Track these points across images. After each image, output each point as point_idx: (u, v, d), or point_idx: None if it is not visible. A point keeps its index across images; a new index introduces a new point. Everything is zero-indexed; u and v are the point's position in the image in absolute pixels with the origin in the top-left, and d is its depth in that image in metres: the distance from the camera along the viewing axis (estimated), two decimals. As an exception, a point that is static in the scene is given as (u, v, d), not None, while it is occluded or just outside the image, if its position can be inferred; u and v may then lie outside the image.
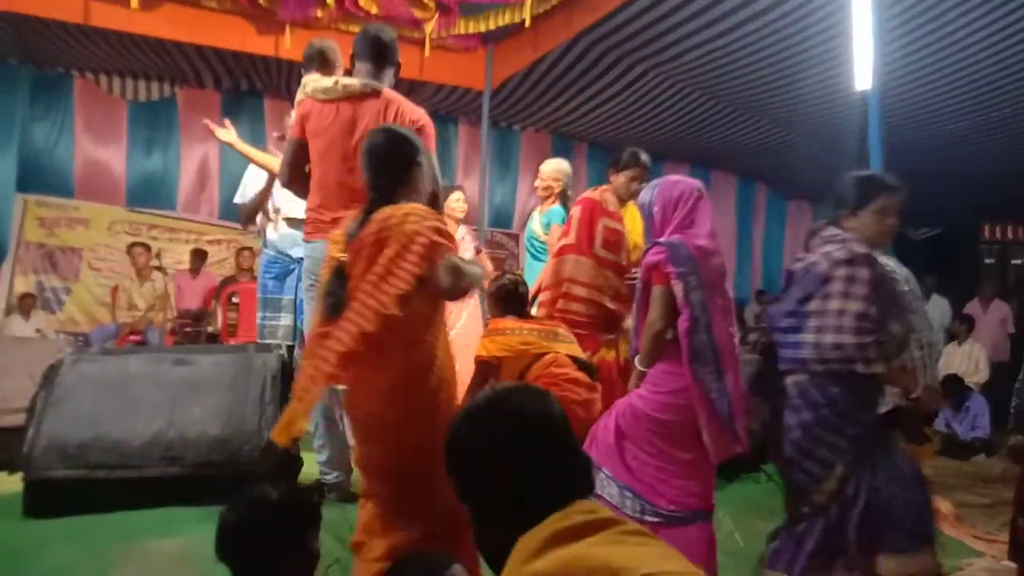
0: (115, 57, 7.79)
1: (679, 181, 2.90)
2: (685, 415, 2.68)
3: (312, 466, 3.63)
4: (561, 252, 3.90)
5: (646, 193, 2.97)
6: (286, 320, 4.29)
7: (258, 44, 7.15)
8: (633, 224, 4.02)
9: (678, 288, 2.66)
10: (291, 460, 3.35)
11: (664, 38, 6.66)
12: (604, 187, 4.04)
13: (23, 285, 8.03)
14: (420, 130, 2.88)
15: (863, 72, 4.64)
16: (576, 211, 3.94)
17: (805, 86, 7.10)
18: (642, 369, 2.78)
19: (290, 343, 4.18)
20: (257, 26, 7.04)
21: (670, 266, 2.69)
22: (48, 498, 2.94)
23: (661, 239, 2.79)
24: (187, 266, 8.25)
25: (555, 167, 4.66)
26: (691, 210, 2.81)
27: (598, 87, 7.96)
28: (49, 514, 2.90)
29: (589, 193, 4.03)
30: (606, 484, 2.79)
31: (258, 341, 4.15)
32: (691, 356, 2.64)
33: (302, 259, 4.24)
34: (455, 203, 5.19)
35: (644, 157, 3.99)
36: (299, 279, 4.27)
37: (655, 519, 2.69)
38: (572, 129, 9.44)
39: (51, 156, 8.12)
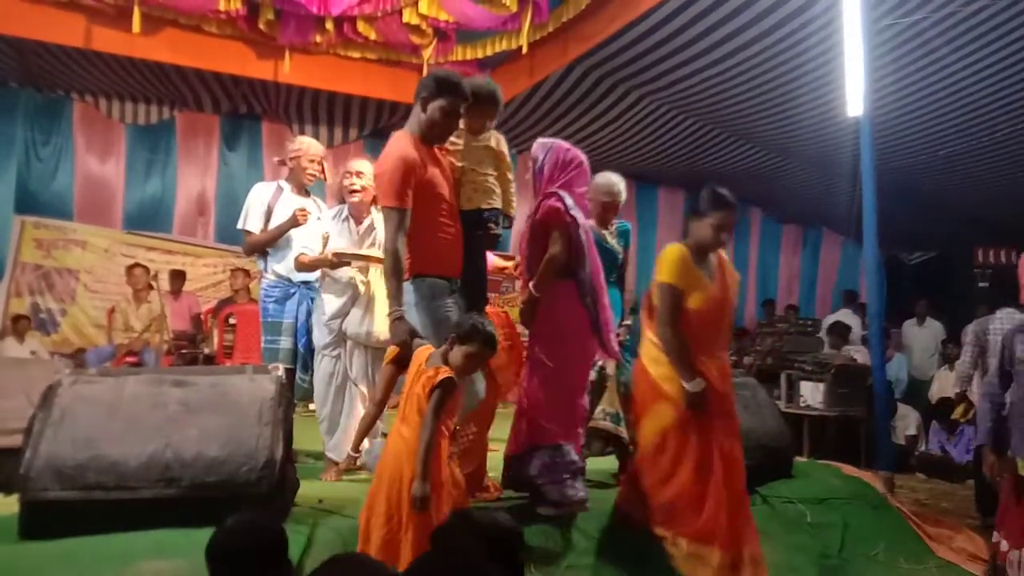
0: (115, 80, 7.86)
1: (570, 149, 3.41)
2: (579, 338, 3.31)
3: (308, 487, 3.63)
4: None
5: (540, 150, 3.42)
6: (286, 343, 4.30)
7: (257, 68, 7.23)
8: None
9: (575, 231, 3.24)
10: (288, 481, 3.34)
11: (659, 66, 6.74)
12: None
13: (18, 306, 8.03)
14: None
15: (855, 98, 4.71)
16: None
17: (798, 112, 7.19)
18: (536, 295, 3.28)
19: (290, 366, 4.18)
20: (257, 51, 7.13)
21: (569, 213, 3.24)
22: (44, 519, 2.92)
23: (552, 190, 3.30)
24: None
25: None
26: (574, 175, 3.36)
27: (594, 113, 8.04)
28: (45, 536, 2.87)
29: None
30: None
31: (262, 364, 4.16)
32: (580, 288, 3.26)
33: (302, 283, 4.30)
34: None
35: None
36: (299, 303, 4.31)
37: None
38: (568, 153, 9.52)
39: (50, 178, 8.18)
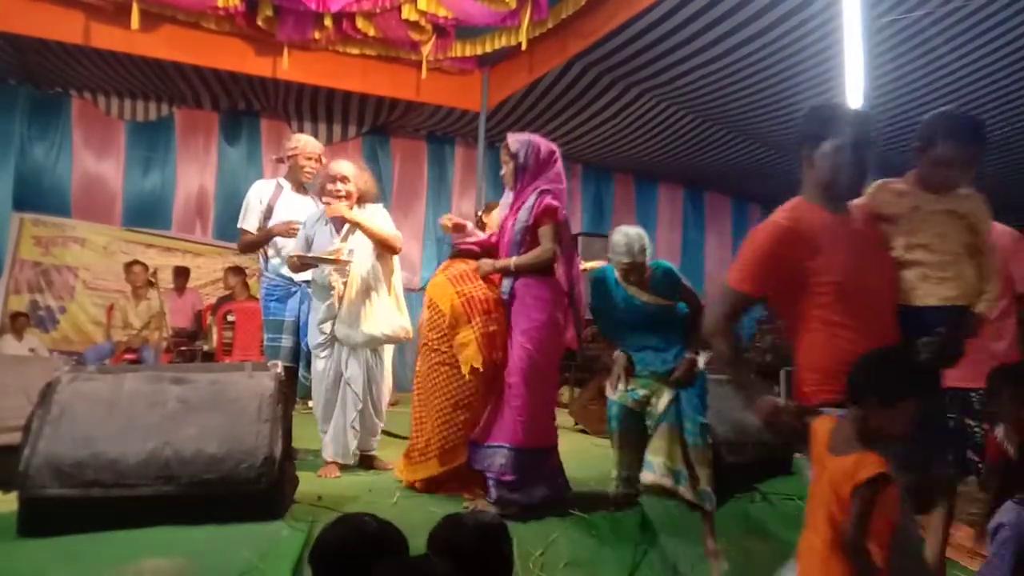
0: (113, 77, 7.84)
1: (548, 143, 3.64)
2: (560, 331, 3.53)
3: (307, 484, 3.63)
4: None
5: (518, 146, 3.58)
6: (288, 341, 4.31)
7: (256, 65, 7.22)
8: None
9: (565, 230, 3.56)
10: (287, 478, 3.35)
11: (658, 62, 6.73)
12: None
13: (17, 303, 8.03)
14: None
15: (854, 95, 4.70)
16: None
17: (798, 108, 7.17)
18: (514, 271, 3.48)
19: (290, 364, 4.19)
20: (255, 47, 7.12)
21: (563, 211, 3.53)
22: (43, 517, 2.92)
23: (546, 187, 3.52)
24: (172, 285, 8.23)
25: None
26: (557, 168, 3.60)
27: (593, 109, 8.03)
28: (44, 533, 2.88)
29: None
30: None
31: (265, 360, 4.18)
32: (568, 281, 3.56)
33: (303, 282, 4.30)
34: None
35: None
36: (301, 301, 4.33)
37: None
38: (567, 150, 9.46)
39: (48, 175, 8.17)
